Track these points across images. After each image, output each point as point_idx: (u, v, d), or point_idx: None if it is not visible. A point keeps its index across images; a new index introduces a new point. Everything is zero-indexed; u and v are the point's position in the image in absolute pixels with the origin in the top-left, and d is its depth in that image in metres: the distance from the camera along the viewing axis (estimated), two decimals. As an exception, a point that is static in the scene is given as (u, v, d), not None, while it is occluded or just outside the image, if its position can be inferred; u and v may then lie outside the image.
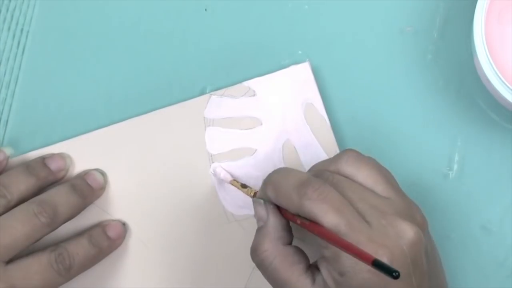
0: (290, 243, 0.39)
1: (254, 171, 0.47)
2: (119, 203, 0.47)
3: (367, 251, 0.33)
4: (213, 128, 0.47)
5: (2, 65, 0.49)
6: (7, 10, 0.49)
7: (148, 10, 0.49)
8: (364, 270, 0.35)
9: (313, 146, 0.47)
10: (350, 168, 0.39)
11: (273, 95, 0.47)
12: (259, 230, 0.40)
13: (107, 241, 0.45)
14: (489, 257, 0.47)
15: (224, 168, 0.46)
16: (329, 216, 0.36)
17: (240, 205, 0.46)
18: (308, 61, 0.47)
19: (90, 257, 0.44)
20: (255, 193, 0.43)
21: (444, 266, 0.41)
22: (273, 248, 0.38)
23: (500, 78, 0.42)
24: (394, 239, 0.36)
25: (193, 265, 0.46)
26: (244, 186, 0.45)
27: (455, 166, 0.47)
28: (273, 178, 0.39)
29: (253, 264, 0.44)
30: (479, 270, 0.47)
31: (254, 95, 0.47)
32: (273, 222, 0.39)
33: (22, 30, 0.49)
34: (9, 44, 0.49)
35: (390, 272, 0.31)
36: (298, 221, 0.38)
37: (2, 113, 0.49)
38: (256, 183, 0.46)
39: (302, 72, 0.47)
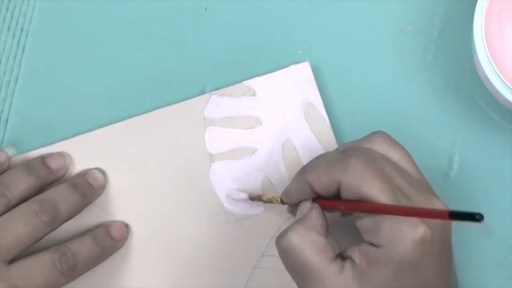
0: (325, 237, 0.39)
1: (254, 170, 0.47)
2: (119, 203, 0.47)
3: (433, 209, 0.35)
4: (213, 127, 0.47)
5: (2, 65, 0.49)
6: (7, 9, 0.49)
7: (148, 10, 0.49)
8: (406, 240, 0.35)
9: (313, 145, 0.47)
10: (384, 147, 0.39)
11: (272, 94, 0.47)
12: (295, 222, 0.39)
13: (110, 241, 0.45)
14: (489, 257, 0.47)
15: (237, 189, 0.46)
16: (375, 183, 0.36)
17: (240, 205, 0.46)
18: (308, 61, 0.47)
19: (93, 257, 0.44)
20: (281, 199, 0.43)
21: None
22: (305, 233, 0.38)
23: (500, 78, 0.42)
24: None
25: (192, 265, 0.46)
26: (263, 197, 0.44)
27: (455, 166, 0.47)
28: (310, 163, 0.40)
29: (253, 264, 0.44)
30: (479, 270, 0.46)
31: (254, 94, 0.47)
32: (314, 215, 0.39)
33: (22, 29, 0.49)
34: (9, 44, 0.49)
35: (472, 216, 0.30)
36: (342, 206, 0.38)
37: (2, 113, 0.49)
38: (255, 183, 0.46)
39: (302, 72, 0.47)
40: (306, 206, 0.40)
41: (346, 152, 0.39)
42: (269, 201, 0.44)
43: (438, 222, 0.36)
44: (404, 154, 0.39)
